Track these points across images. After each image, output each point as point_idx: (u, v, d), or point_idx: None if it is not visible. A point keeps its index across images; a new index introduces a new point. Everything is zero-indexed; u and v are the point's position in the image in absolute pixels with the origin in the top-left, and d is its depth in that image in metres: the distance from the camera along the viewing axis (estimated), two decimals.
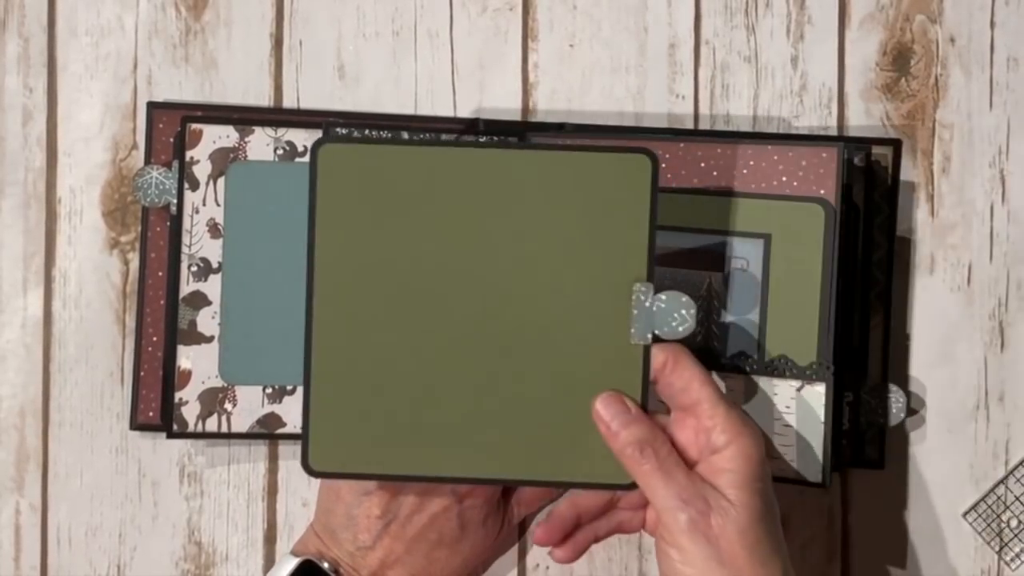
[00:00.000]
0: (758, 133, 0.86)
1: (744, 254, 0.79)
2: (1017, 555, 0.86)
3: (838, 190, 0.78)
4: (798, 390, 0.79)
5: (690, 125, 0.87)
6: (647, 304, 0.72)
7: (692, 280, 0.80)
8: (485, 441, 0.74)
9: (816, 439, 0.79)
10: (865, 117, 0.87)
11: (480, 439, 0.74)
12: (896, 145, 0.85)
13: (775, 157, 0.78)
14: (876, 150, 0.84)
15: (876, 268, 0.84)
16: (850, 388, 0.83)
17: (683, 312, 0.73)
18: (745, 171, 0.79)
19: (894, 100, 0.87)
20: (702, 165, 0.80)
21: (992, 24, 0.87)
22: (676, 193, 0.80)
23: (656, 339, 0.73)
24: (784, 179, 0.78)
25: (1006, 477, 0.86)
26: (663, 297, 0.72)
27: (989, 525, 0.86)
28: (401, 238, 0.73)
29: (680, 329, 0.73)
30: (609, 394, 0.73)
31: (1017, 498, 0.86)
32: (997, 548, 0.86)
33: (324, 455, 0.74)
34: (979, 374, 0.87)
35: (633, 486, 0.73)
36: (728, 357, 0.80)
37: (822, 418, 0.78)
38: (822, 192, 0.78)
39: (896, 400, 0.84)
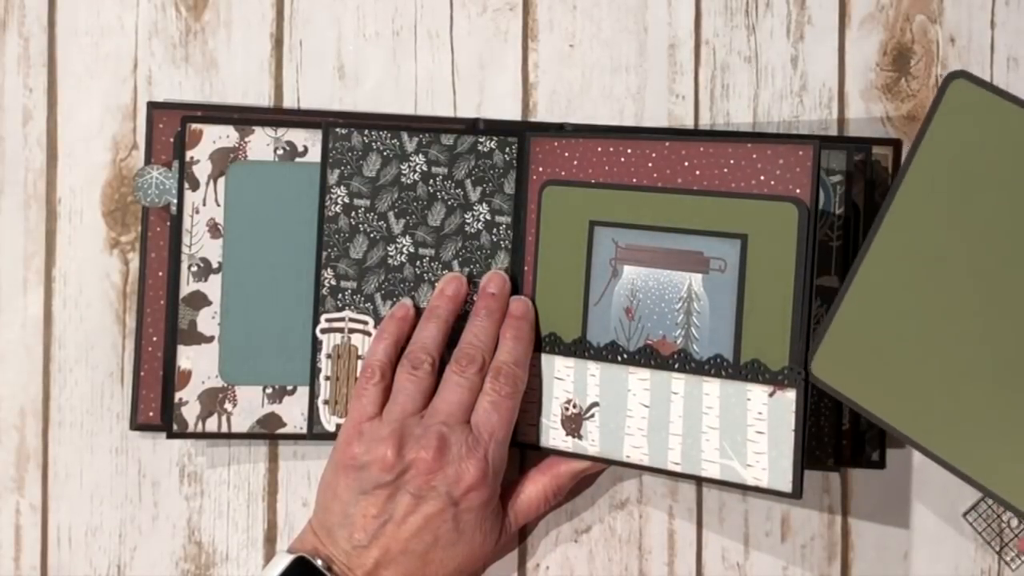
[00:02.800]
0: (754, 133, 0.86)
1: (722, 255, 0.77)
2: (1017, 555, 0.86)
3: (813, 189, 0.75)
4: (770, 395, 0.77)
5: (690, 125, 0.87)
6: None
7: (673, 281, 0.79)
8: (980, 436, 0.71)
9: (786, 447, 0.76)
10: (865, 117, 0.87)
11: (976, 432, 0.72)
12: (896, 145, 0.85)
13: (754, 156, 0.76)
14: (876, 150, 0.84)
15: None
16: None
17: None
18: (726, 170, 0.77)
19: (894, 100, 0.87)
20: (686, 164, 0.78)
21: (992, 24, 0.87)
22: (659, 192, 0.79)
23: None
24: (762, 178, 0.76)
25: None
26: None
27: (989, 525, 0.86)
28: (991, 202, 0.70)
29: None
30: None
31: None
32: (997, 548, 0.86)
33: (826, 367, 0.75)
34: None
35: None
36: (705, 360, 0.78)
37: (792, 425, 0.76)
38: (797, 191, 0.75)
39: None
